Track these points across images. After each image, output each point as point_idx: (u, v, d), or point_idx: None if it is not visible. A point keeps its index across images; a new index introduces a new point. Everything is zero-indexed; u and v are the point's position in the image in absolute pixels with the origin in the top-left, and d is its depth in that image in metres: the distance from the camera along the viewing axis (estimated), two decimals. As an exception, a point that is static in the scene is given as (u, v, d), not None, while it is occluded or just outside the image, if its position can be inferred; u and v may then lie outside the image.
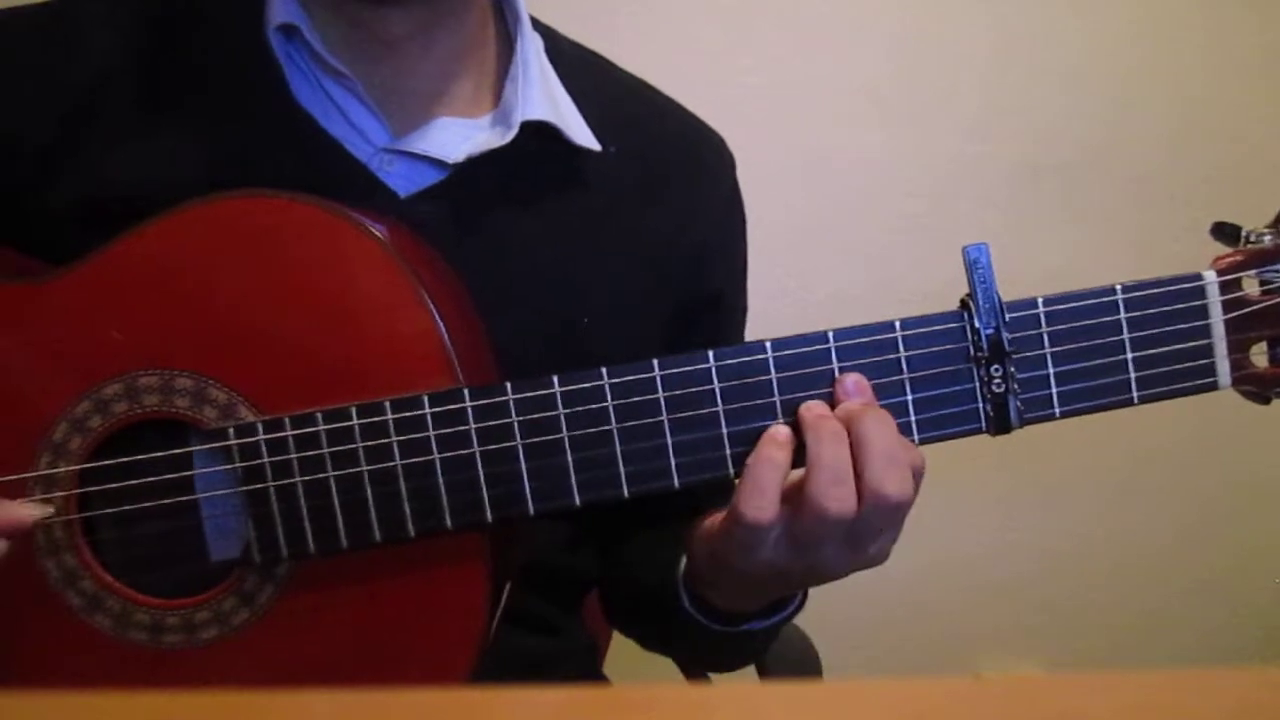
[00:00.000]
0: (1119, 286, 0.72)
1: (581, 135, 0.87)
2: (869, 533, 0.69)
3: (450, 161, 0.83)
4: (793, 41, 1.63)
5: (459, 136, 0.85)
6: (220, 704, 0.40)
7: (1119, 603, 1.77)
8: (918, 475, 0.70)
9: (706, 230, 0.95)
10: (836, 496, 0.67)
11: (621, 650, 1.05)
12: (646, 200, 0.92)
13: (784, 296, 1.64)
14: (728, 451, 0.71)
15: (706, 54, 1.61)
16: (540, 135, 0.86)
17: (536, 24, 0.94)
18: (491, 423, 0.70)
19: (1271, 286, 0.73)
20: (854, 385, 0.70)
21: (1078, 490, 1.74)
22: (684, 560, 0.82)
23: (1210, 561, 1.76)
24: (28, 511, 0.72)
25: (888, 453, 0.68)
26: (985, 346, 0.71)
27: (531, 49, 0.89)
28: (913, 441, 0.71)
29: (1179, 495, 1.74)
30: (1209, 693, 0.39)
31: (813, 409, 0.70)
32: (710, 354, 0.70)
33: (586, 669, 1.01)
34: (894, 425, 0.69)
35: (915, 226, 1.64)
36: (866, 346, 0.71)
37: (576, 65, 0.94)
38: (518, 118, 0.84)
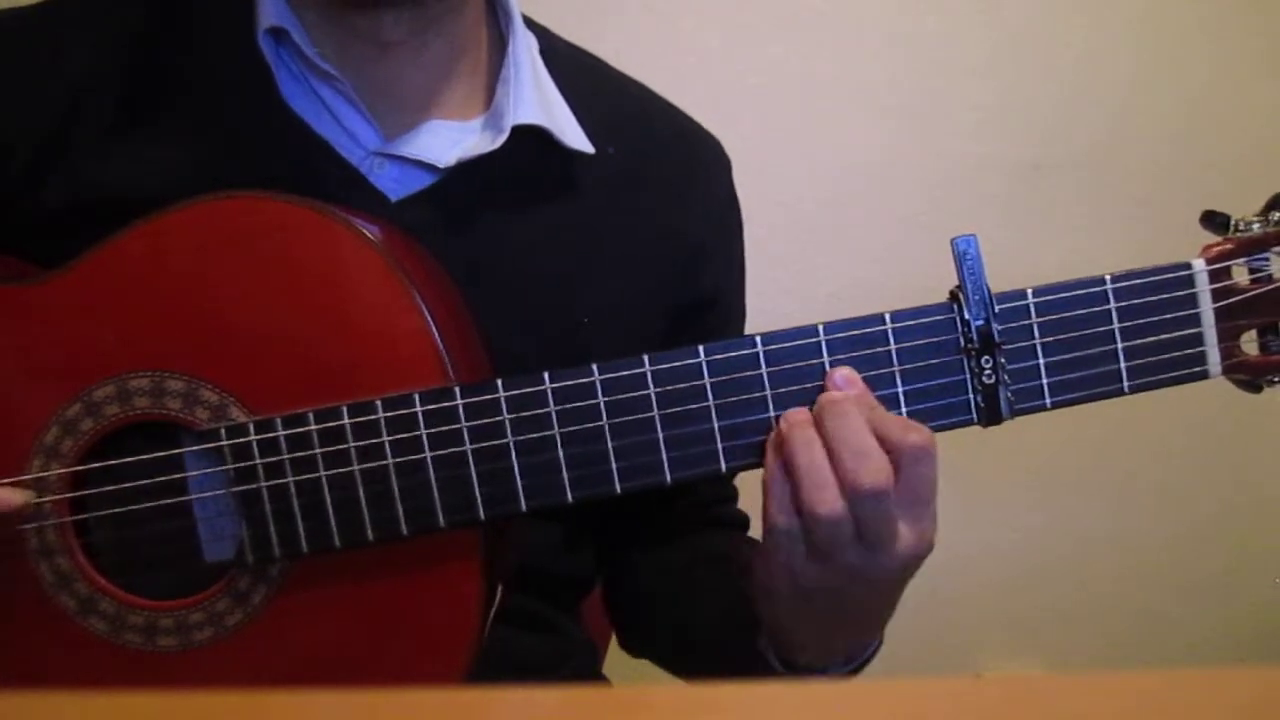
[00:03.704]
0: (1108, 277, 0.72)
1: (574, 138, 0.87)
2: (877, 525, 0.68)
3: (440, 166, 0.83)
4: (792, 42, 1.62)
5: (449, 140, 0.85)
6: (218, 704, 0.40)
7: (1119, 603, 1.76)
8: (917, 455, 0.68)
9: (703, 232, 0.95)
10: (822, 500, 0.67)
11: (622, 650, 1.05)
12: (642, 202, 0.92)
13: (784, 296, 1.64)
14: (719, 446, 0.71)
15: (706, 55, 1.61)
16: (532, 139, 0.85)
17: (531, 24, 0.93)
18: (483, 420, 0.70)
19: (1260, 275, 0.73)
20: (843, 379, 0.70)
21: (1078, 490, 1.74)
22: (762, 627, 0.80)
23: (1210, 561, 1.75)
24: (9, 496, 0.72)
25: (854, 446, 0.67)
26: (975, 338, 0.71)
27: (524, 49, 0.89)
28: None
29: (1179, 495, 1.73)
30: (1209, 693, 0.39)
31: (787, 418, 0.70)
32: (701, 349, 0.70)
33: (586, 669, 1.01)
34: (858, 417, 0.68)
35: (915, 226, 1.64)
36: (856, 340, 0.71)
37: (571, 66, 0.93)
38: (509, 122, 0.84)
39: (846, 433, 0.68)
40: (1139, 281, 0.72)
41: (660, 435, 0.70)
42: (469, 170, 0.84)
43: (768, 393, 0.70)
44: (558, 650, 0.95)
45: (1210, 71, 1.64)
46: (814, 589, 0.71)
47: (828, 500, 0.67)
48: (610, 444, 0.70)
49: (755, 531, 0.97)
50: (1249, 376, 0.74)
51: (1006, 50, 1.64)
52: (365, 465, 0.70)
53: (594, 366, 0.70)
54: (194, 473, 0.73)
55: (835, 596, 0.72)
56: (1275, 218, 0.73)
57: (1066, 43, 1.64)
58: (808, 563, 0.70)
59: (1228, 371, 0.73)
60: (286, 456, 0.71)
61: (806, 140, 1.64)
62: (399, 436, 0.70)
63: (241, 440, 0.71)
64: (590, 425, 0.70)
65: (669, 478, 0.71)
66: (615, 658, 1.10)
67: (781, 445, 0.69)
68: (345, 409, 0.70)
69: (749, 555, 0.92)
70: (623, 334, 0.87)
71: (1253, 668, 0.39)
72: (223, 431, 0.71)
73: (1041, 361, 0.71)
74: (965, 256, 0.70)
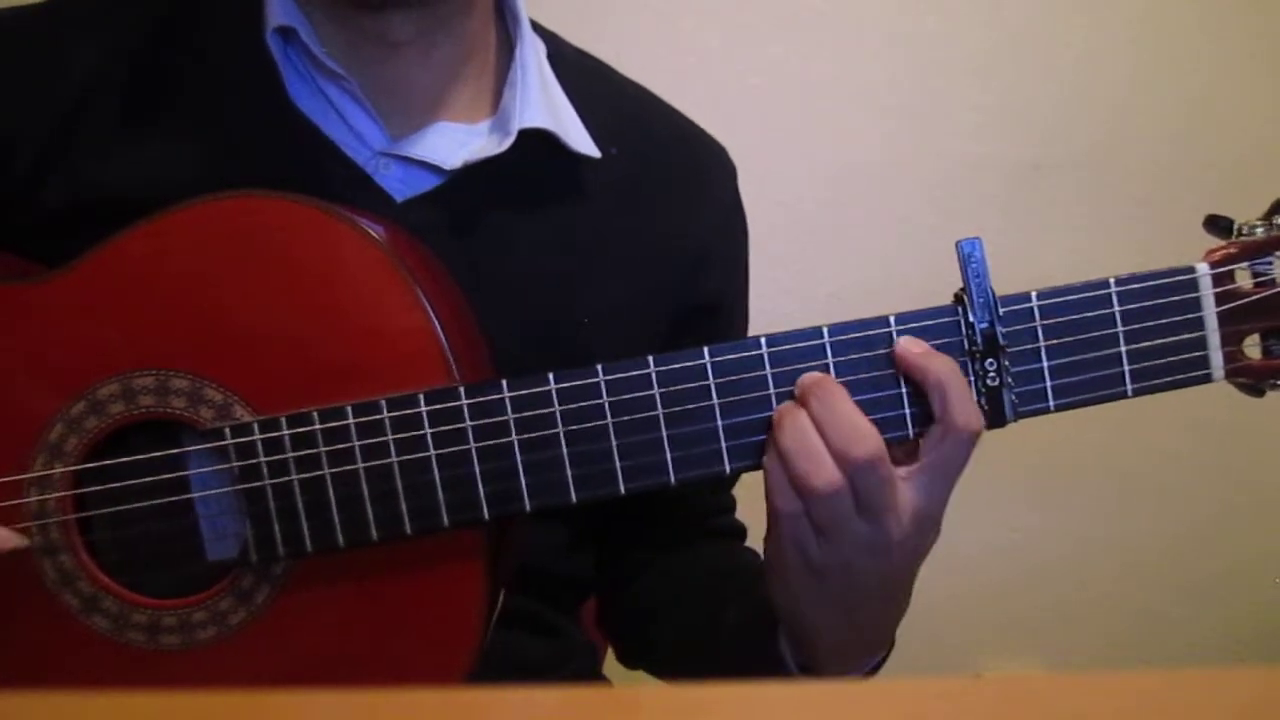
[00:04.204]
0: (1112, 280, 0.72)
1: (580, 142, 0.87)
2: (875, 493, 0.69)
3: (446, 168, 0.83)
4: (792, 42, 1.63)
5: (456, 142, 0.85)
6: (219, 704, 0.40)
7: (1119, 603, 1.76)
8: (960, 437, 0.69)
9: (706, 237, 0.95)
10: (817, 474, 0.68)
11: (619, 663, 1.05)
12: (646, 206, 0.92)
13: (784, 296, 1.64)
14: (723, 447, 0.71)
15: (707, 55, 1.61)
16: (538, 142, 0.85)
17: (539, 29, 0.94)
18: (487, 420, 0.70)
19: (1264, 278, 0.73)
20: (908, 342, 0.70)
21: (1078, 490, 1.74)
22: (782, 640, 0.80)
23: (1210, 561, 1.75)
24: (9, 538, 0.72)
25: (840, 422, 0.68)
26: (980, 341, 0.71)
27: (531, 53, 0.89)
28: (908, 437, 0.71)
29: (1179, 496, 1.74)
30: (1209, 693, 0.39)
31: (778, 409, 0.70)
32: (705, 350, 0.70)
33: (587, 670, 1.01)
34: (839, 393, 0.69)
35: (915, 226, 1.64)
36: (861, 341, 0.71)
37: (579, 71, 0.93)
38: (515, 125, 0.84)
39: (829, 411, 0.68)
40: (1143, 285, 0.72)
41: (664, 435, 0.70)
42: (475, 173, 0.84)
43: (771, 393, 0.71)
44: (558, 651, 0.95)
45: (1210, 71, 1.64)
46: (824, 565, 0.71)
47: (823, 474, 0.68)
48: (614, 443, 0.70)
49: (753, 541, 0.97)
50: (1252, 380, 0.74)
51: (1006, 50, 1.64)
52: (370, 464, 0.70)
53: (599, 367, 0.70)
54: (197, 471, 0.73)
55: (846, 573, 0.72)
56: (1279, 221, 0.73)
57: (1066, 43, 1.64)
58: (816, 541, 0.70)
59: (1230, 375, 0.73)
60: (291, 455, 0.71)
61: (806, 140, 1.64)
62: (403, 436, 0.70)
63: (246, 439, 0.71)
64: (594, 424, 0.70)
65: (673, 478, 0.71)
66: (615, 658, 1.10)
67: (773, 431, 0.70)
68: (350, 408, 0.70)
69: (752, 560, 0.92)
70: (624, 338, 0.87)
71: (1253, 668, 0.39)
72: (227, 430, 0.71)
73: (1045, 364, 0.71)
74: (970, 259, 0.70)
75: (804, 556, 0.71)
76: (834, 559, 0.71)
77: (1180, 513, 1.74)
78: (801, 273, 1.65)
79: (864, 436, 0.68)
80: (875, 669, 0.81)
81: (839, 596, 0.73)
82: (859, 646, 0.79)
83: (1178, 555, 1.75)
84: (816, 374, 0.70)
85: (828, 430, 0.68)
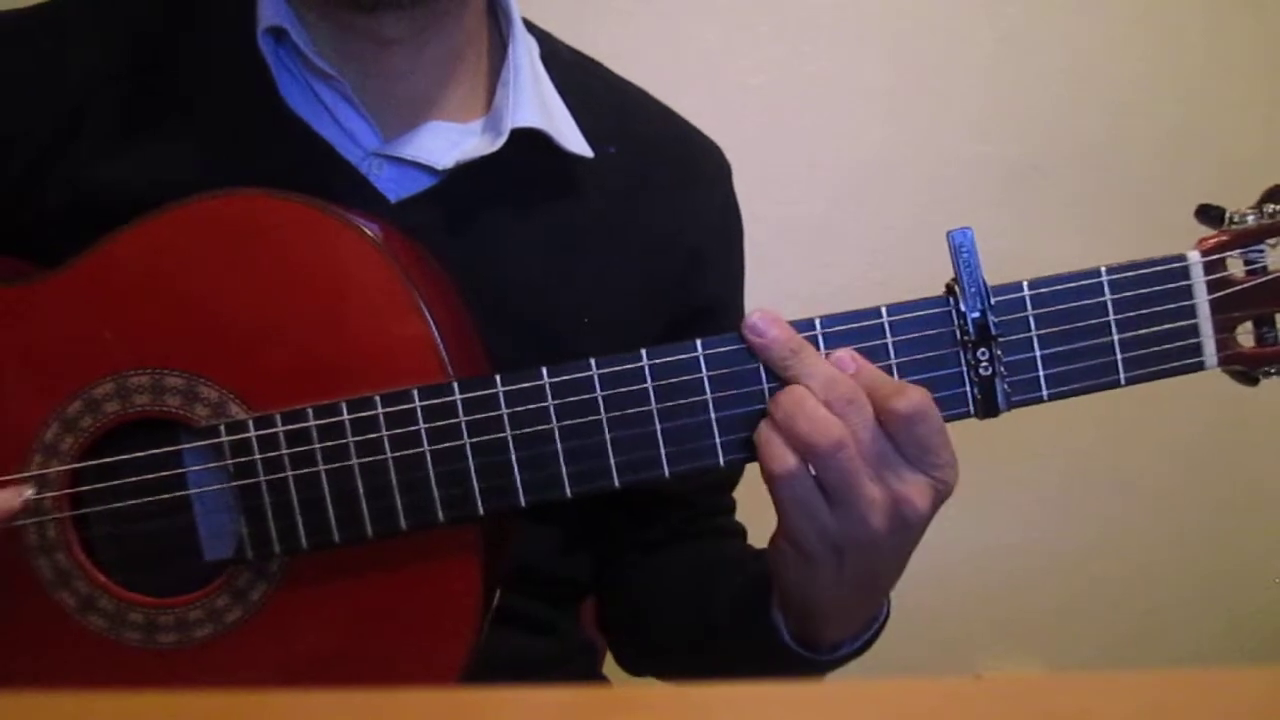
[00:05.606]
0: (1104, 269, 0.72)
1: (573, 142, 0.87)
2: (889, 450, 0.68)
3: (439, 168, 0.83)
4: (793, 42, 1.63)
5: (449, 142, 0.85)
6: (217, 704, 0.40)
7: (1119, 603, 1.76)
8: (911, 418, 0.68)
9: (701, 236, 0.95)
10: (818, 431, 0.67)
11: (620, 667, 1.04)
12: (640, 205, 0.91)
13: (784, 296, 1.63)
14: (717, 440, 0.71)
15: (707, 54, 1.61)
16: (531, 142, 0.85)
17: (533, 28, 0.94)
18: (482, 415, 0.70)
19: (1255, 266, 0.73)
20: (845, 361, 0.70)
21: (1078, 490, 1.74)
22: (775, 609, 0.80)
23: (1211, 562, 1.76)
24: (15, 495, 0.72)
25: (821, 375, 0.68)
26: (972, 330, 0.71)
27: (524, 52, 0.89)
28: None
29: (1180, 496, 1.74)
30: (1209, 693, 0.39)
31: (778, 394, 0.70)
32: (698, 343, 0.71)
33: (586, 670, 1.01)
34: (818, 358, 0.69)
35: (915, 226, 1.64)
36: (853, 333, 0.71)
37: (573, 70, 0.93)
38: (508, 124, 0.84)
39: (812, 368, 0.68)
40: (1135, 273, 0.72)
41: (658, 429, 0.70)
42: (468, 172, 0.83)
43: (764, 386, 0.71)
44: (558, 651, 0.95)
45: (1210, 71, 1.64)
46: (845, 544, 0.70)
47: (820, 429, 0.67)
48: (608, 437, 0.70)
49: (753, 541, 0.97)
50: (1245, 368, 0.74)
51: (1006, 50, 1.64)
52: (364, 460, 0.70)
53: (591, 361, 0.70)
54: (193, 469, 0.73)
55: (868, 551, 0.71)
56: (1269, 210, 0.73)
57: (1066, 43, 1.64)
58: (828, 511, 0.69)
59: (1224, 363, 0.73)
60: (286, 452, 0.71)
61: (806, 140, 1.64)
62: (397, 431, 0.70)
63: (241, 436, 0.71)
64: (588, 419, 0.70)
65: (667, 471, 0.71)
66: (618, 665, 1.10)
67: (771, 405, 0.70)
68: (345, 405, 0.70)
69: (748, 549, 0.92)
70: (619, 338, 0.86)
71: (1253, 668, 0.39)
72: (222, 428, 0.71)
73: (1038, 353, 0.71)
74: (961, 249, 0.70)
75: (816, 524, 0.70)
76: (852, 536, 0.70)
77: (1181, 513, 1.74)
78: (801, 273, 1.65)
79: (909, 389, 0.68)
80: (877, 635, 0.81)
81: (855, 575, 0.73)
82: (862, 616, 0.79)
83: (1178, 555, 1.75)
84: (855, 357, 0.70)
85: (861, 380, 0.68)
